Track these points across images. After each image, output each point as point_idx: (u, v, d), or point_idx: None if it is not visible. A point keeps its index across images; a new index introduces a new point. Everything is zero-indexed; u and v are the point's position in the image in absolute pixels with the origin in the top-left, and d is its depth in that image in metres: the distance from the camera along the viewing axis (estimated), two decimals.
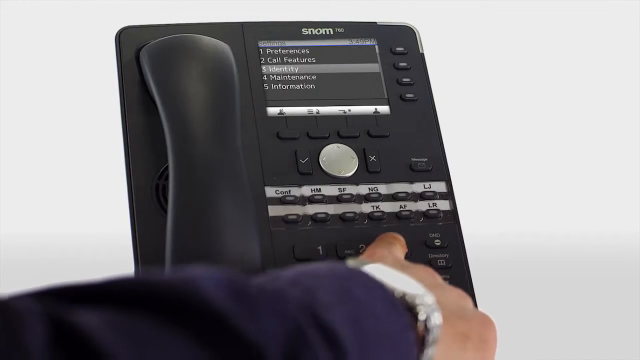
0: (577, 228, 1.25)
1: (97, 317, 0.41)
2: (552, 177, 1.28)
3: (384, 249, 0.62)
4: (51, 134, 1.26)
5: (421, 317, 0.50)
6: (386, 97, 0.76)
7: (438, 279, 0.58)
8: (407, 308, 0.50)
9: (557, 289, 1.16)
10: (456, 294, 0.57)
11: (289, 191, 0.71)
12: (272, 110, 0.74)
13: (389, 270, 0.53)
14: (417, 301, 0.51)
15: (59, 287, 0.43)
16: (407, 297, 0.51)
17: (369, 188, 0.72)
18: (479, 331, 0.54)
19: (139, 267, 0.67)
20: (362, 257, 0.60)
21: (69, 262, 1.18)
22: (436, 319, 0.51)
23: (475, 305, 0.68)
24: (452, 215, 0.72)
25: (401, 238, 0.66)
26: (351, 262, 0.54)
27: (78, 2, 1.30)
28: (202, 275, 0.44)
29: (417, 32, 0.79)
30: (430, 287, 0.53)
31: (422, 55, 0.78)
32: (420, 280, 0.54)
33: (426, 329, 0.50)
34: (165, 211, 0.67)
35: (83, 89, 1.26)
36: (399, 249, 0.64)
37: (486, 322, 0.55)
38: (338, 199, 0.71)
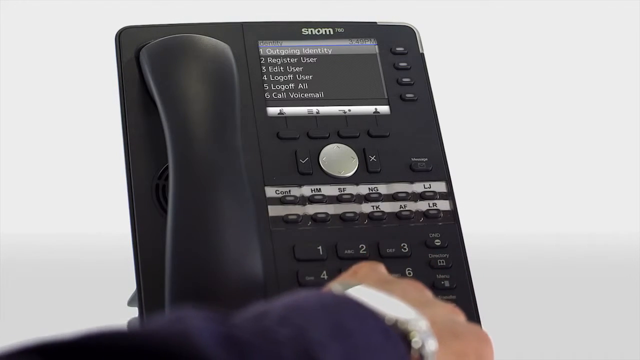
0: (577, 228, 1.25)
1: None
2: (552, 177, 1.28)
3: (367, 267, 0.59)
4: (51, 134, 1.26)
5: (415, 344, 0.49)
6: (386, 97, 0.76)
7: (427, 294, 0.56)
8: (400, 335, 0.49)
9: (557, 289, 1.16)
10: (448, 310, 0.55)
11: (289, 191, 0.71)
12: (272, 110, 0.74)
13: (376, 293, 0.51)
14: (410, 327, 0.49)
15: (37, 344, 0.41)
16: (399, 324, 0.49)
17: (369, 188, 0.72)
18: (476, 348, 0.53)
19: (139, 267, 0.67)
20: (345, 276, 0.58)
21: (69, 262, 1.18)
22: (431, 345, 0.49)
23: (476, 306, 0.69)
24: (452, 215, 0.72)
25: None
26: (336, 285, 0.53)
27: (78, 2, 1.31)
28: (195, 325, 0.43)
29: (417, 32, 0.79)
30: (420, 304, 0.52)
31: (422, 55, 0.78)
32: (409, 297, 0.52)
33: (421, 356, 0.49)
34: (165, 211, 0.67)
35: (83, 89, 1.26)
36: (383, 267, 0.62)
37: (482, 338, 0.54)
38: (338, 199, 0.71)
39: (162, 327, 0.43)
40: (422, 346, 0.49)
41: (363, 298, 0.50)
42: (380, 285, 0.54)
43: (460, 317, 0.55)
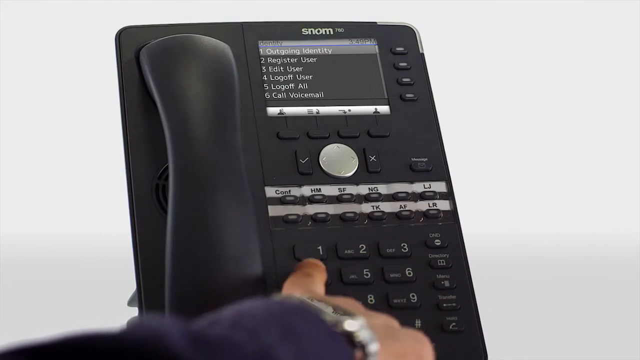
0: (577, 228, 1.25)
1: None
2: (552, 177, 1.28)
3: (300, 287, 0.63)
4: (51, 134, 1.26)
5: (359, 344, 0.52)
6: (386, 97, 0.76)
7: (361, 307, 0.59)
8: (343, 336, 0.51)
9: (557, 289, 1.16)
10: (383, 318, 0.57)
11: (289, 191, 0.71)
12: (272, 110, 0.74)
13: (317, 302, 0.54)
14: (353, 329, 0.52)
15: (16, 347, 0.42)
16: (342, 326, 0.52)
17: (369, 188, 0.72)
18: (415, 348, 0.55)
19: (139, 267, 0.67)
20: (283, 293, 0.61)
21: (69, 262, 1.18)
22: (373, 346, 0.52)
23: (476, 306, 0.69)
24: (452, 215, 0.72)
25: (320, 265, 0.66)
26: (278, 298, 0.55)
27: (78, 2, 1.31)
28: (166, 327, 0.45)
29: (417, 32, 0.79)
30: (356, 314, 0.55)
31: (422, 55, 0.78)
32: (344, 308, 0.55)
33: (364, 355, 0.52)
34: (165, 211, 0.67)
35: (83, 89, 1.26)
36: (319, 279, 0.65)
37: (419, 339, 0.56)
38: (338, 199, 0.71)
39: (133, 330, 0.44)
40: (366, 346, 0.52)
41: (306, 304, 0.52)
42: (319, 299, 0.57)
43: (395, 324, 0.58)
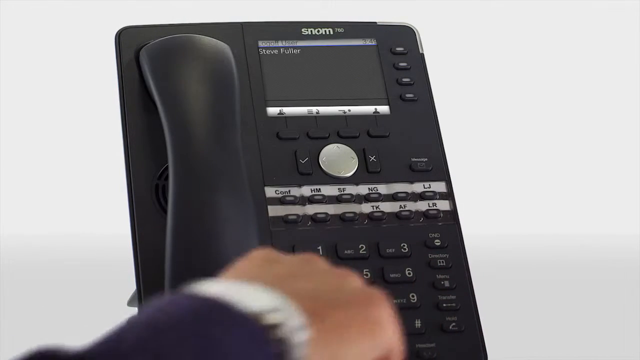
0: (577, 229, 1.25)
1: None
2: (552, 177, 1.28)
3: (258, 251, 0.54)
4: (51, 134, 1.26)
5: (278, 336, 0.44)
6: (386, 97, 0.76)
7: (318, 264, 0.50)
8: (267, 330, 0.44)
9: (557, 290, 1.16)
10: (335, 277, 0.49)
11: (289, 191, 0.71)
12: (272, 110, 0.74)
13: (246, 286, 0.47)
14: (275, 320, 0.45)
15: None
16: (263, 319, 0.44)
17: (369, 188, 0.72)
18: (362, 313, 0.47)
19: (139, 267, 0.67)
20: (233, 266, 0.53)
21: (69, 263, 1.18)
22: (302, 335, 0.45)
23: (476, 306, 0.69)
24: (452, 215, 0.72)
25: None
26: (197, 291, 0.48)
27: (78, 2, 1.30)
28: (60, 352, 0.41)
29: (417, 32, 0.79)
30: (305, 276, 0.48)
31: (422, 55, 0.78)
32: (295, 272, 0.48)
33: (292, 346, 0.44)
34: (165, 211, 0.67)
35: (83, 89, 1.26)
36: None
37: (370, 300, 0.47)
38: (338, 199, 0.71)
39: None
40: (290, 337, 0.44)
41: (227, 295, 0.46)
42: (265, 264, 0.50)
43: (349, 282, 0.49)
